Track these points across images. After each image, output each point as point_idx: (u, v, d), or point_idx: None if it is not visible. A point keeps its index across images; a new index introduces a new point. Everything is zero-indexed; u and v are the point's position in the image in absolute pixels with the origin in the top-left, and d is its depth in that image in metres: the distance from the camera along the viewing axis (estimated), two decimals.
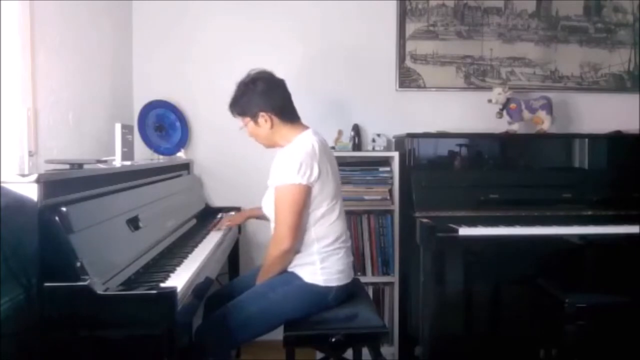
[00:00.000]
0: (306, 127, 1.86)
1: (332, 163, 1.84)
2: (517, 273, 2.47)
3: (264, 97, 1.80)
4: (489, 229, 2.23)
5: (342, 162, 2.52)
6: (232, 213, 2.68)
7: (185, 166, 2.74)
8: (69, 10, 2.09)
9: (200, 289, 1.56)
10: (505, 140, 2.71)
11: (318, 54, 2.85)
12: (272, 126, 1.82)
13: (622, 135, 2.72)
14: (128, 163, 1.90)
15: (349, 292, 1.85)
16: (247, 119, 1.84)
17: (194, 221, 2.40)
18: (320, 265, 1.76)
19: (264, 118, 1.81)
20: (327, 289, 1.76)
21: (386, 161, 2.71)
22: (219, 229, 2.26)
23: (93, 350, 1.21)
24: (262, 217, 2.20)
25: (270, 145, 1.89)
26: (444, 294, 2.45)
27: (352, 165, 2.66)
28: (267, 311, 1.72)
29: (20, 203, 1.17)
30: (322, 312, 1.77)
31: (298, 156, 1.71)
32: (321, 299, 1.76)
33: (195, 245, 1.96)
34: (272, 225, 1.83)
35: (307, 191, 1.71)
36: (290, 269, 1.80)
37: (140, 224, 1.63)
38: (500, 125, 2.73)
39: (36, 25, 1.81)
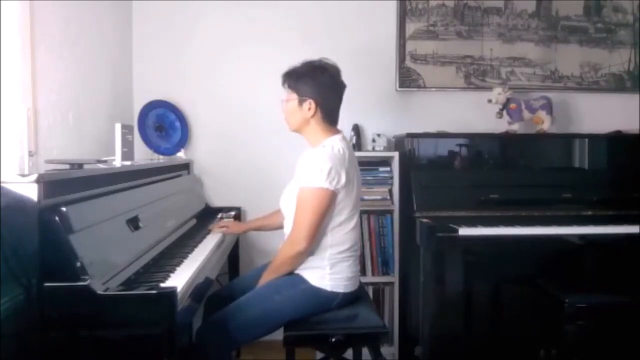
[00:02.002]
0: (338, 131, 1.84)
1: (357, 172, 1.83)
2: (517, 273, 2.47)
3: (323, 89, 1.78)
4: (489, 229, 2.23)
5: None
6: (232, 213, 2.68)
7: (185, 166, 2.74)
8: (69, 10, 2.09)
9: (200, 289, 1.56)
10: (505, 140, 2.71)
11: (318, 53, 2.79)
12: (312, 116, 1.79)
13: (622, 135, 2.72)
14: (128, 163, 1.90)
15: (353, 299, 1.84)
16: (294, 96, 1.80)
17: (194, 221, 2.39)
18: (330, 270, 1.75)
19: (309, 105, 1.78)
20: (334, 294, 1.75)
21: (386, 161, 2.71)
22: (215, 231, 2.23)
23: (93, 350, 1.21)
24: (261, 229, 2.23)
25: (295, 130, 1.86)
26: (444, 294, 2.44)
27: None
28: (270, 313, 1.71)
29: (20, 203, 1.17)
30: (322, 313, 1.76)
31: (330, 161, 1.68)
32: (325, 304, 1.76)
33: (195, 245, 1.96)
34: (287, 223, 1.82)
35: (332, 197, 1.70)
36: (296, 271, 1.79)
37: (140, 224, 1.63)
38: (500, 125, 2.73)
39: (36, 25, 1.81)
